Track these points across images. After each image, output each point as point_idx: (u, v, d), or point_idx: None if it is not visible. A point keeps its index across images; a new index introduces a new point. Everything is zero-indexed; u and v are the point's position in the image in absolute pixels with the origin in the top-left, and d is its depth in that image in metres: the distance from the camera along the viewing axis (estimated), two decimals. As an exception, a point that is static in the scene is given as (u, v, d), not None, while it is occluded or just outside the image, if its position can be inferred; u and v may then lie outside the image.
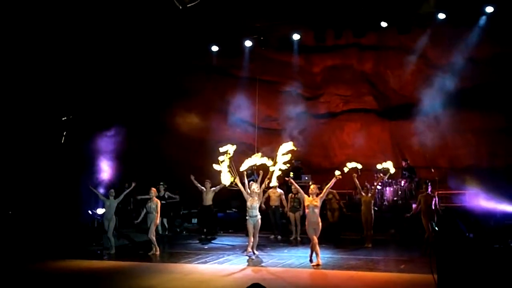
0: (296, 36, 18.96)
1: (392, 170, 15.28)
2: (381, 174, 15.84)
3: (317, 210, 12.02)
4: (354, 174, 14.15)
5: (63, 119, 18.00)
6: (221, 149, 12.93)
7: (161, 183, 17.28)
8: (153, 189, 14.62)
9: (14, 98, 16.86)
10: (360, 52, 19.98)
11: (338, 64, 20.50)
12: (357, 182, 14.42)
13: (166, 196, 17.17)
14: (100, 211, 15.66)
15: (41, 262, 13.46)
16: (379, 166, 15.44)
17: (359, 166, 14.13)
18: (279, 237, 16.30)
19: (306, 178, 18.42)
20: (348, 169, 13.73)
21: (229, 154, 12.75)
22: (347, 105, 20.94)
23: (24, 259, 13.78)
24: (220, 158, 12.77)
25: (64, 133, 17.62)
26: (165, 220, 17.44)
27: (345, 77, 20.41)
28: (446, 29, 17.59)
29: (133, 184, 15.06)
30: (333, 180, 12.29)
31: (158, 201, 14.56)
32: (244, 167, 12.81)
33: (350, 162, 13.90)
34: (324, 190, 12.47)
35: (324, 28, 18.73)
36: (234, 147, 12.94)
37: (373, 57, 19.99)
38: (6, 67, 16.41)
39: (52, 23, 16.06)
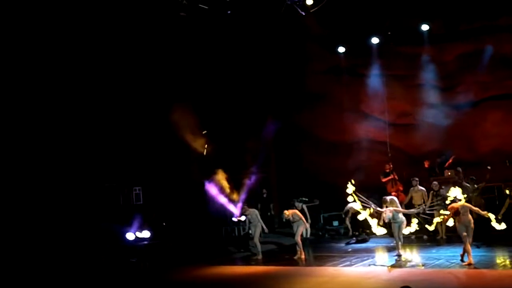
0: (425, 27, 18.38)
1: None
2: None
3: (468, 210, 11.62)
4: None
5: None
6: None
7: (301, 198, 17.60)
8: (285, 212, 14.89)
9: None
10: (496, 35, 18.74)
11: (472, 50, 19.37)
12: None
13: (305, 210, 17.33)
14: (243, 218, 16.35)
15: (191, 268, 14.44)
16: None
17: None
18: (425, 236, 15.78)
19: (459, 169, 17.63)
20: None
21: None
22: (487, 92, 19.68)
23: (170, 265, 14.93)
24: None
25: (206, 146, 18.64)
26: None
27: (481, 62, 19.25)
28: None
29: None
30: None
31: (297, 211, 14.99)
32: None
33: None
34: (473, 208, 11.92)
35: (456, 14, 17.91)
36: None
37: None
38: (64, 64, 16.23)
39: (89, 28, 15.87)
